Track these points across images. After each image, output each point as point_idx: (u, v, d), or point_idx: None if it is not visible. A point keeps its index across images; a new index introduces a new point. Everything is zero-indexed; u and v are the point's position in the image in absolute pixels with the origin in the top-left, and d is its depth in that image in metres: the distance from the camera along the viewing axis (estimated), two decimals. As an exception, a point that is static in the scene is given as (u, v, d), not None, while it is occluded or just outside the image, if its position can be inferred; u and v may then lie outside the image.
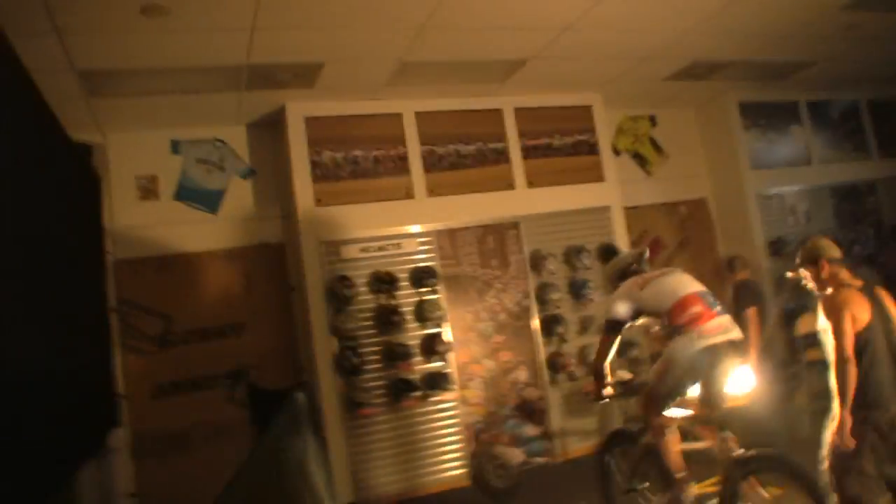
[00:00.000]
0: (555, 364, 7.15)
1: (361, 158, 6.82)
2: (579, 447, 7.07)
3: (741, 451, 3.83)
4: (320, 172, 6.65)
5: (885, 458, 3.45)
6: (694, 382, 4.03)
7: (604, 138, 7.83)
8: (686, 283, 4.19)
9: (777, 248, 8.23)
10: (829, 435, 3.56)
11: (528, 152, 7.46)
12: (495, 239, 7.28)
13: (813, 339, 6.75)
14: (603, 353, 4.39)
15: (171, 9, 4.57)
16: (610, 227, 7.65)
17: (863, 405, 3.47)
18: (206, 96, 6.22)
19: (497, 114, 7.41)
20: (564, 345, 7.23)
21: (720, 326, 3.94)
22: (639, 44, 6.59)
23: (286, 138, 6.64)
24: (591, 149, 7.76)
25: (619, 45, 6.55)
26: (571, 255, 7.40)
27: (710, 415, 3.98)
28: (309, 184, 6.60)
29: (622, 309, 4.26)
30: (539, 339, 7.18)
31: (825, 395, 3.70)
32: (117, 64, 5.36)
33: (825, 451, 3.56)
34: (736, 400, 4.29)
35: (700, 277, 4.50)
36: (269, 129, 7.01)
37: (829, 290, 3.70)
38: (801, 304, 7.54)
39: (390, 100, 6.92)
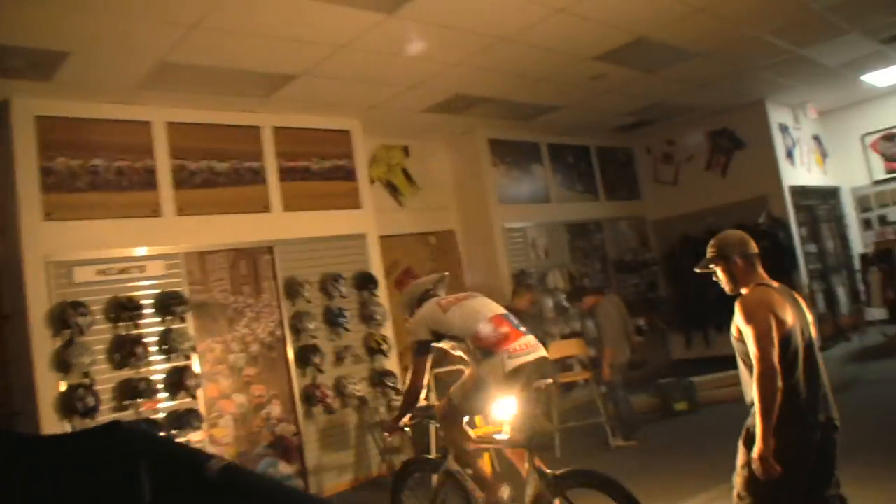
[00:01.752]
0: (310, 397, 6.82)
1: (103, 168, 5.97)
2: (337, 482, 6.81)
3: (551, 470, 3.80)
4: (52, 181, 5.70)
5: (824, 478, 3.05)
6: (502, 401, 3.99)
7: (361, 165, 7.75)
8: (489, 306, 4.17)
9: (520, 279, 8.62)
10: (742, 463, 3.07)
11: (285, 174, 7.11)
12: (248, 264, 6.82)
13: (562, 364, 7.23)
14: (417, 378, 4.20)
15: None
16: (366, 254, 7.56)
17: (792, 420, 2.97)
18: None
19: (255, 131, 6.98)
20: (321, 376, 6.92)
21: (528, 345, 3.94)
22: (407, 71, 6.61)
23: (9, 139, 5.60)
24: (349, 175, 7.63)
25: (387, 71, 6.51)
26: (328, 283, 7.16)
27: (521, 437, 3.93)
28: (37, 194, 5.61)
29: (426, 330, 4.13)
30: (294, 370, 6.81)
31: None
32: None
33: (739, 484, 3.07)
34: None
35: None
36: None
37: (745, 290, 3.20)
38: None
39: (140, 105, 6.18)
